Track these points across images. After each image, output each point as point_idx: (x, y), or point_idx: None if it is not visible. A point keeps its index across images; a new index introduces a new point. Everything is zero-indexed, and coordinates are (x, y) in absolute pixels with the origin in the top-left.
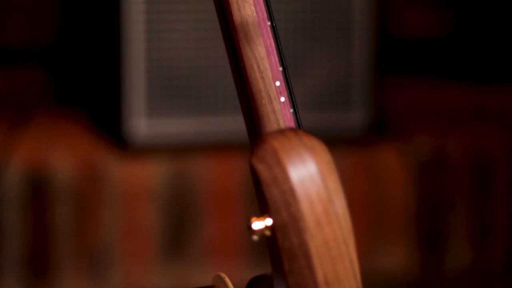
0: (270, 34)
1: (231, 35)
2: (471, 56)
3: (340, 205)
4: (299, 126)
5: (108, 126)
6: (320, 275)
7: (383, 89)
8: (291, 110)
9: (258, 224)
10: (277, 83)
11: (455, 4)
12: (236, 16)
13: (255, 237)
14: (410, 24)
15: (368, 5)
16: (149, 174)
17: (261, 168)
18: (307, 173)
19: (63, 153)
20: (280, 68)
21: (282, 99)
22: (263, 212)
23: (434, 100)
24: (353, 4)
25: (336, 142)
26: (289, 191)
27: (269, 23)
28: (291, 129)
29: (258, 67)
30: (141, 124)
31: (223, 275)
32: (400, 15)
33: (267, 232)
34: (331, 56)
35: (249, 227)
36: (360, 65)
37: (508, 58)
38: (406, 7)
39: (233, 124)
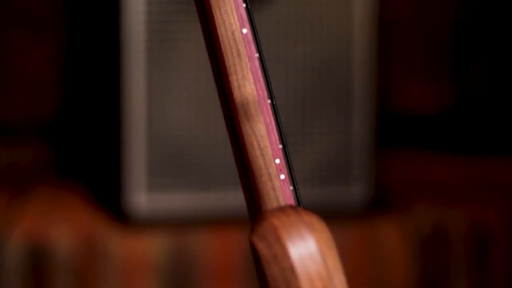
0: (270, 112)
1: (231, 113)
2: (471, 129)
3: (339, 282)
4: (299, 204)
5: (109, 200)
6: None
7: (383, 163)
8: (291, 188)
9: None
10: (277, 161)
11: (455, 78)
12: (236, 94)
13: None
14: (410, 98)
15: (368, 80)
16: (150, 249)
17: (261, 246)
18: (307, 250)
19: (63, 227)
20: (280, 146)
21: (282, 176)
22: None
23: (434, 174)
24: (353, 80)
25: (336, 217)
26: (289, 269)
27: (269, 101)
28: (291, 206)
29: (258, 144)
30: (141, 198)
31: None
32: (400, 89)
33: None
34: (331, 132)
35: None
36: (359, 141)
37: (508, 131)
38: (406, 81)
39: (233, 199)
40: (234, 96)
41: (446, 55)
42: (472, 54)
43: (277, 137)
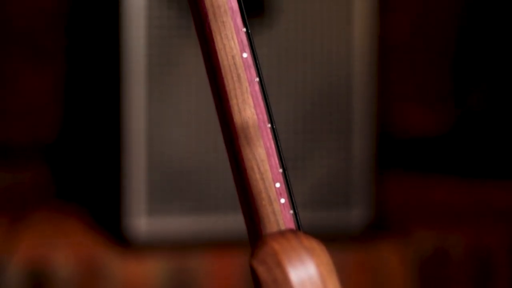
0: (270, 136)
1: (232, 137)
2: (470, 152)
3: None
4: (299, 228)
5: (109, 223)
6: None
7: (383, 186)
8: (291, 211)
9: None
10: (277, 185)
11: (455, 101)
12: (237, 118)
13: None
14: (409, 121)
15: (368, 104)
16: (150, 272)
17: (261, 270)
18: (307, 275)
19: (63, 251)
20: (280, 170)
21: (282, 200)
22: None
23: (434, 197)
24: (353, 103)
25: (336, 241)
26: None
27: (269, 125)
28: (291, 230)
29: (258, 168)
30: (141, 222)
31: None
32: (400, 112)
33: None
34: (331, 156)
35: None
36: (359, 164)
37: (508, 155)
38: (405, 105)
39: (233, 222)
40: (235, 120)
41: (445, 78)
42: (472, 77)
43: (277, 161)
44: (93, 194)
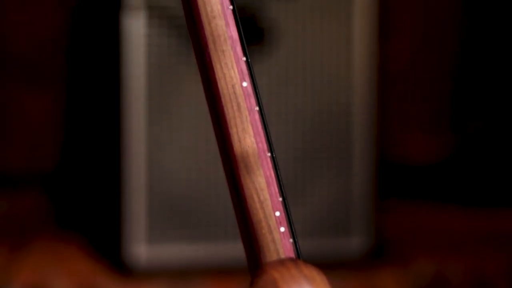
0: (270, 165)
1: (232, 165)
2: (470, 180)
3: None
4: (299, 256)
5: (109, 251)
6: None
7: (383, 214)
8: (291, 240)
9: None
10: (277, 213)
11: (454, 129)
12: (237, 147)
13: None
14: (409, 148)
15: (368, 131)
16: None
17: None
18: None
19: (64, 279)
20: (280, 199)
21: (282, 229)
22: None
23: (434, 224)
24: (353, 131)
25: (336, 268)
26: None
27: (269, 154)
28: (290, 259)
29: (258, 197)
30: (141, 249)
31: None
32: (399, 140)
33: None
34: (331, 183)
35: None
36: (359, 192)
37: (507, 182)
38: (405, 132)
39: (232, 250)
40: (235, 149)
41: (444, 105)
42: (471, 105)
43: (277, 190)
44: (93, 222)
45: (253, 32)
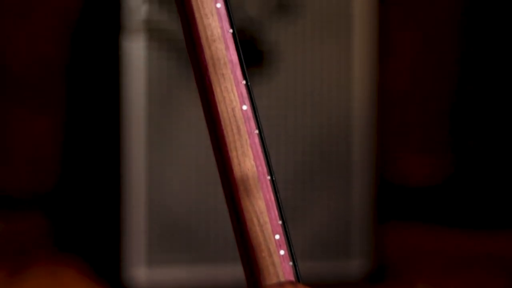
0: (270, 188)
1: (231, 189)
2: (470, 203)
3: None
4: (299, 279)
5: (109, 274)
6: None
7: (383, 236)
8: (291, 263)
9: None
10: (277, 237)
11: (454, 150)
12: (236, 170)
13: None
14: (409, 169)
15: (368, 153)
16: None
17: None
18: None
19: None
20: (280, 222)
21: (282, 252)
22: None
23: (434, 247)
24: (353, 153)
25: None
26: None
27: (269, 177)
28: (290, 282)
29: (258, 220)
30: (141, 272)
31: None
32: (399, 161)
33: None
34: (330, 206)
35: None
36: (359, 214)
37: (506, 205)
38: (405, 153)
39: (232, 273)
40: (234, 172)
41: (444, 127)
42: (470, 126)
43: (276, 213)
44: (93, 244)
45: (253, 55)
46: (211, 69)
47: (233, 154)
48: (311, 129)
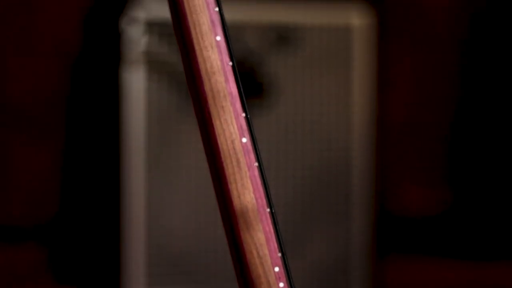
0: (270, 221)
1: (231, 221)
2: (469, 234)
3: None
4: None
5: None
6: None
7: (382, 268)
8: None
9: None
10: (276, 269)
11: (453, 181)
12: (236, 203)
13: None
14: (408, 201)
15: (367, 185)
16: None
17: None
18: None
19: None
20: (279, 254)
21: (281, 284)
22: None
23: (433, 279)
24: (352, 185)
25: None
26: None
27: (268, 209)
28: None
29: (258, 253)
30: None
31: None
32: (398, 192)
33: None
34: (330, 238)
35: None
36: (358, 247)
37: (505, 235)
38: (404, 184)
39: None
40: (234, 204)
41: (442, 157)
42: (469, 156)
43: (276, 246)
44: (92, 276)
45: (252, 87)
46: (210, 102)
47: (232, 187)
48: (310, 162)
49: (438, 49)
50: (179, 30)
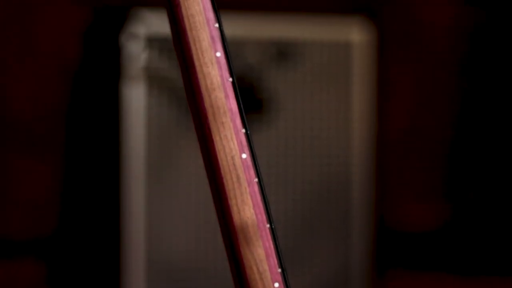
0: (270, 236)
1: (231, 236)
2: (468, 249)
3: None
4: None
5: None
6: None
7: (382, 284)
8: None
9: None
10: (276, 285)
11: (452, 196)
12: (236, 219)
13: None
14: (407, 216)
15: (367, 200)
16: None
17: None
18: None
19: None
20: (279, 270)
21: None
22: None
23: None
24: (352, 201)
25: None
26: None
27: (268, 225)
28: None
29: (257, 268)
30: None
31: None
32: (397, 208)
33: None
34: (330, 253)
35: None
36: (358, 262)
37: (504, 251)
38: (403, 199)
39: None
40: (234, 220)
41: (442, 172)
42: (469, 171)
43: (276, 261)
44: None
45: (252, 102)
46: (210, 118)
47: (232, 202)
48: (310, 177)
49: (437, 65)
50: (179, 46)
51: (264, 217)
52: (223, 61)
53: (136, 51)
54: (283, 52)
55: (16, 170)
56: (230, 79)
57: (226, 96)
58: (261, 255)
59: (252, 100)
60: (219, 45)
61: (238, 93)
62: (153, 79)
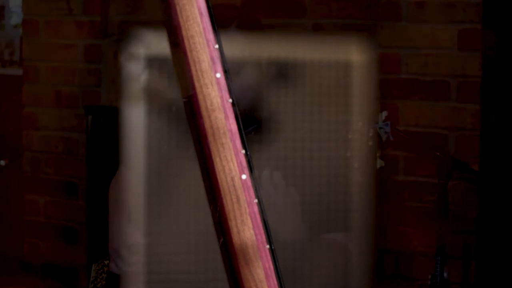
0: (269, 257)
1: (231, 257)
2: (468, 270)
3: None
4: None
5: None
6: None
7: None
8: None
9: None
10: None
11: (449, 221)
12: (236, 239)
13: None
14: (407, 237)
15: (366, 222)
16: None
17: None
18: None
19: None
20: None
21: None
22: None
23: None
24: (351, 222)
25: None
26: None
27: (268, 246)
28: None
29: None
30: None
31: None
32: (397, 229)
33: None
34: (329, 276)
35: None
36: (358, 284)
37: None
38: (403, 221)
39: None
40: (234, 240)
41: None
42: (466, 195)
43: (275, 282)
44: None
45: (252, 122)
46: (210, 139)
47: (232, 224)
48: (310, 198)
49: (439, 87)
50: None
51: (263, 237)
52: (223, 82)
53: (136, 71)
54: (283, 73)
55: (16, 194)
56: (230, 100)
57: (226, 117)
58: (261, 276)
59: (251, 121)
60: (219, 66)
61: (238, 114)
62: (153, 99)
